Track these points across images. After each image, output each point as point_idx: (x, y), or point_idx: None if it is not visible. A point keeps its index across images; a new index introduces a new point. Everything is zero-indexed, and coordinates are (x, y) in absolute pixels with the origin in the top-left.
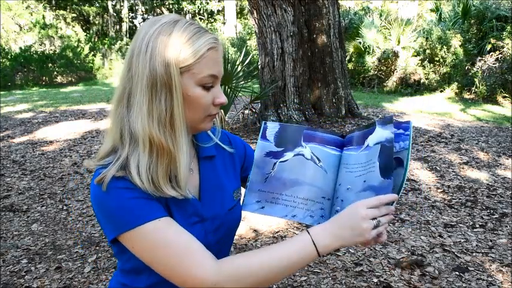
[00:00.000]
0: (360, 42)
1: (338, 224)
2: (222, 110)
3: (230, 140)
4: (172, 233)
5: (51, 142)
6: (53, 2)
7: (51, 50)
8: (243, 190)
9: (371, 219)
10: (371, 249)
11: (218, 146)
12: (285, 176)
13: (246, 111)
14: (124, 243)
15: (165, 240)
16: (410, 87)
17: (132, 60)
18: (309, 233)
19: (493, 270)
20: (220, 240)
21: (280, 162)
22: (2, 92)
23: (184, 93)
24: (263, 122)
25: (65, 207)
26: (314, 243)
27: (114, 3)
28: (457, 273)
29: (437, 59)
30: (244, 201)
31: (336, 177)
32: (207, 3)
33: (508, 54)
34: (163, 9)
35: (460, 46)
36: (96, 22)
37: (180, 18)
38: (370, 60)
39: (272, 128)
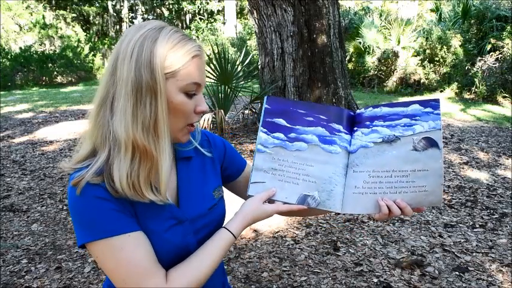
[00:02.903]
0: (360, 42)
1: (243, 217)
2: (222, 110)
3: (209, 140)
4: (137, 252)
5: (51, 142)
6: (53, 2)
7: (51, 50)
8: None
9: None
10: (371, 249)
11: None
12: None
13: (246, 111)
14: (90, 251)
15: (127, 259)
16: (410, 87)
17: (116, 65)
18: (227, 229)
19: (493, 270)
20: (201, 240)
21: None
22: (2, 92)
23: (168, 100)
24: (266, 96)
25: (65, 207)
26: (234, 235)
27: (114, 3)
28: (457, 273)
29: (437, 59)
30: (249, 182)
31: (347, 160)
32: (207, 3)
33: (508, 54)
34: (163, 9)
35: (460, 46)
36: (96, 22)
37: (165, 25)
38: (370, 60)
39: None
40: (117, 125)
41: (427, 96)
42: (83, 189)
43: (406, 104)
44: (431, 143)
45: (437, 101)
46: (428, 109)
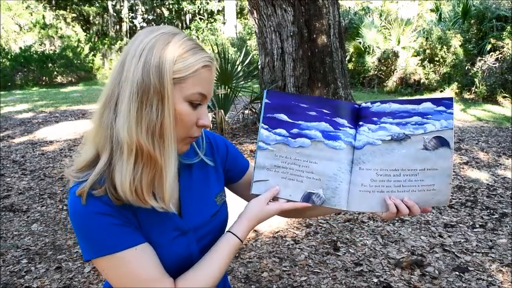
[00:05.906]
0: (360, 42)
1: (248, 220)
2: (222, 110)
3: (211, 142)
4: (144, 264)
5: (51, 142)
6: (53, 2)
7: (51, 50)
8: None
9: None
10: (371, 249)
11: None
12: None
13: (246, 111)
14: (96, 265)
15: (135, 272)
16: (410, 87)
17: (124, 65)
18: (232, 233)
19: (493, 270)
20: (204, 247)
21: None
22: (2, 92)
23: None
24: (265, 90)
25: (65, 207)
26: (240, 239)
27: (114, 3)
28: (457, 273)
29: (437, 59)
30: (252, 181)
31: (352, 156)
32: (207, 3)
33: (508, 54)
34: (163, 9)
35: (460, 46)
36: (96, 22)
37: (179, 32)
38: (370, 60)
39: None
40: (119, 127)
41: (429, 96)
42: (86, 203)
43: (418, 102)
44: (442, 142)
45: (450, 99)
46: (441, 108)
